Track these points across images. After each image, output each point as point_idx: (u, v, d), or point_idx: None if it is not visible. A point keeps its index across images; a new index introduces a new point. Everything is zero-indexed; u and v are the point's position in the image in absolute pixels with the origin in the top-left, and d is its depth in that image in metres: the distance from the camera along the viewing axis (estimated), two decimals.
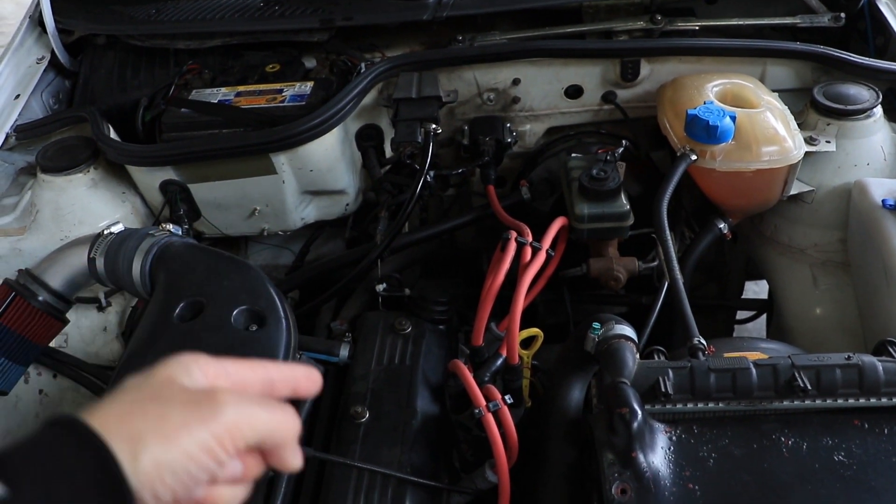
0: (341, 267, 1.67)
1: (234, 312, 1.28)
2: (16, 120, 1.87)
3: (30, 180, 1.83)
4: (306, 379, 0.70)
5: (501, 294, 1.34)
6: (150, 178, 1.69)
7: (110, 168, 1.75)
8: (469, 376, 1.18)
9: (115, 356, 1.76)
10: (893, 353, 1.21)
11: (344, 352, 1.45)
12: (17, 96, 1.92)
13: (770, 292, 1.90)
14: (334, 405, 1.43)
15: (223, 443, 0.56)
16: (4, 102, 1.89)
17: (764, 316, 2.09)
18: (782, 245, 1.71)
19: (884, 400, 1.15)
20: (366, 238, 1.87)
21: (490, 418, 1.12)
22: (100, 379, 1.68)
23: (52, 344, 1.61)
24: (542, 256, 1.33)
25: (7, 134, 1.84)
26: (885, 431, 1.14)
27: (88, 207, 1.70)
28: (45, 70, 1.99)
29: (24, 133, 1.85)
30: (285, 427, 0.62)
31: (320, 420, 1.41)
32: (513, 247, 1.32)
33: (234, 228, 1.78)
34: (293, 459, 0.64)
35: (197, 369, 0.62)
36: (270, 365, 0.69)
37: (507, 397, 1.16)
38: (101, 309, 1.75)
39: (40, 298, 1.51)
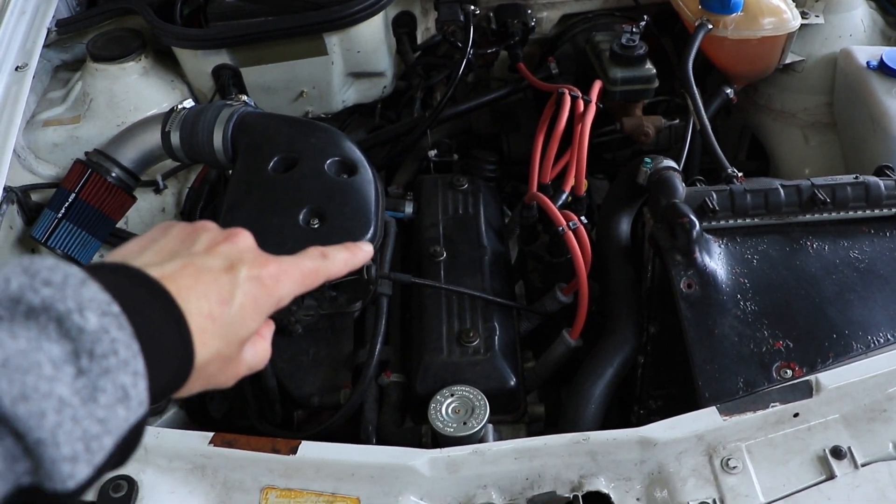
0: (391, 139, 1.82)
1: (327, 163, 1.42)
2: (53, 16, 1.92)
3: (71, 75, 1.90)
4: (363, 253, 0.76)
5: None
6: (204, 63, 1.79)
7: (159, 57, 1.85)
8: (549, 202, 1.36)
9: None
10: (890, 174, 1.45)
11: (409, 208, 1.62)
12: None
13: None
14: (403, 256, 1.60)
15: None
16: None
17: None
18: (775, 111, 1.95)
19: (885, 210, 1.39)
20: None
21: (571, 235, 1.31)
22: None
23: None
24: (593, 108, 1.52)
25: (48, 29, 1.89)
26: (888, 234, 1.39)
27: (142, 94, 1.80)
28: None
29: (66, 28, 1.89)
30: None
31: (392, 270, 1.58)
32: (568, 99, 1.50)
33: (279, 112, 1.89)
34: None
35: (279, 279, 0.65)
36: (331, 256, 0.73)
37: (581, 218, 1.35)
38: (158, 191, 1.85)
39: (113, 174, 1.62)
